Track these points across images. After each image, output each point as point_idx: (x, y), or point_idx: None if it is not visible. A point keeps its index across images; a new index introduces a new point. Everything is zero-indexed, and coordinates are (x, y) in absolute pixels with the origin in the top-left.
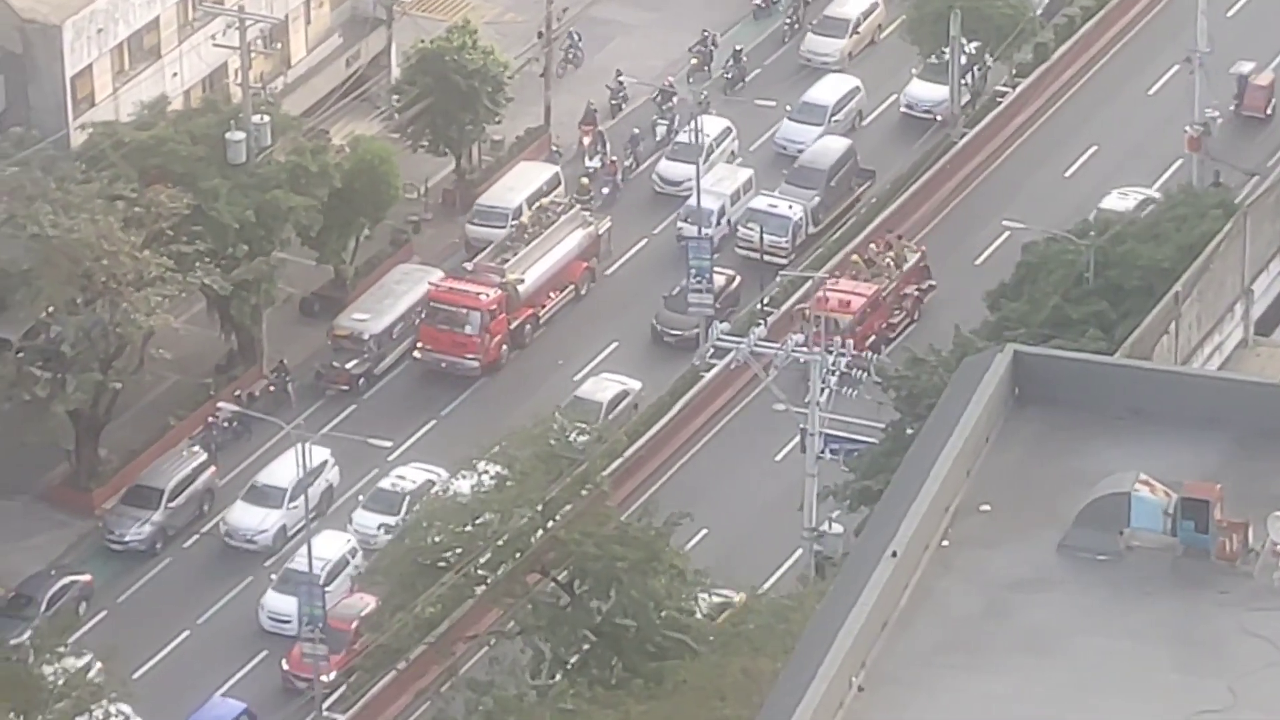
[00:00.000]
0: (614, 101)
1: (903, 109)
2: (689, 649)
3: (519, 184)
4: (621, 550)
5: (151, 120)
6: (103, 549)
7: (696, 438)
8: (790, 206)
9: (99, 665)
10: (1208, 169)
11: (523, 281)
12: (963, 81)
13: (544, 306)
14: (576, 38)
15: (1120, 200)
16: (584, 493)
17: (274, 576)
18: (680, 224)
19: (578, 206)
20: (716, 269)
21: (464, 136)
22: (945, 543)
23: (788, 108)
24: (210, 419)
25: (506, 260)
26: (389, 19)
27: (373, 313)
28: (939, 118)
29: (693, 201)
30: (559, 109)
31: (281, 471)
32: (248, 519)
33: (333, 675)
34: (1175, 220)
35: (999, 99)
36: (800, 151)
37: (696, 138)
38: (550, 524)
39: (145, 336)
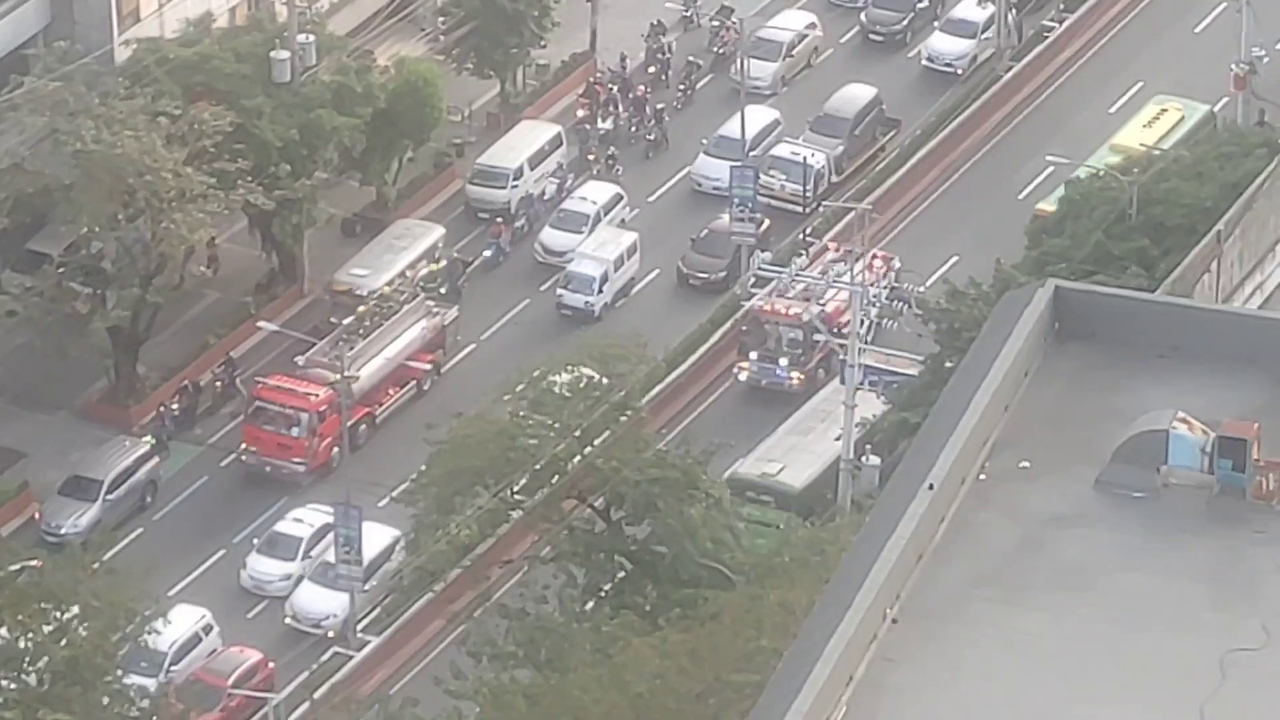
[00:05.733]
0: (611, 84)
1: (924, 62)
2: (724, 578)
3: (520, 144)
4: (658, 473)
5: (196, 37)
6: (40, 541)
7: (735, 368)
8: (813, 155)
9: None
10: (1253, 108)
11: (357, 379)
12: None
13: (381, 405)
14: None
15: None
16: (622, 419)
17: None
18: (560, 291)
19: (422, 295)
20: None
21: (509, 60)
22: (982, 476)
23: (703, 141)
24: (161, 407)
25: (341, 356)
26: None
27: (372, 269)
28: (960, 71)
29: (574, 268)
30: (605, 35)
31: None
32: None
33: None
34: (1219, 159)
35: (1045, 34)
36: (716, 188)
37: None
38: (588, 450)
39: (186, 254)
